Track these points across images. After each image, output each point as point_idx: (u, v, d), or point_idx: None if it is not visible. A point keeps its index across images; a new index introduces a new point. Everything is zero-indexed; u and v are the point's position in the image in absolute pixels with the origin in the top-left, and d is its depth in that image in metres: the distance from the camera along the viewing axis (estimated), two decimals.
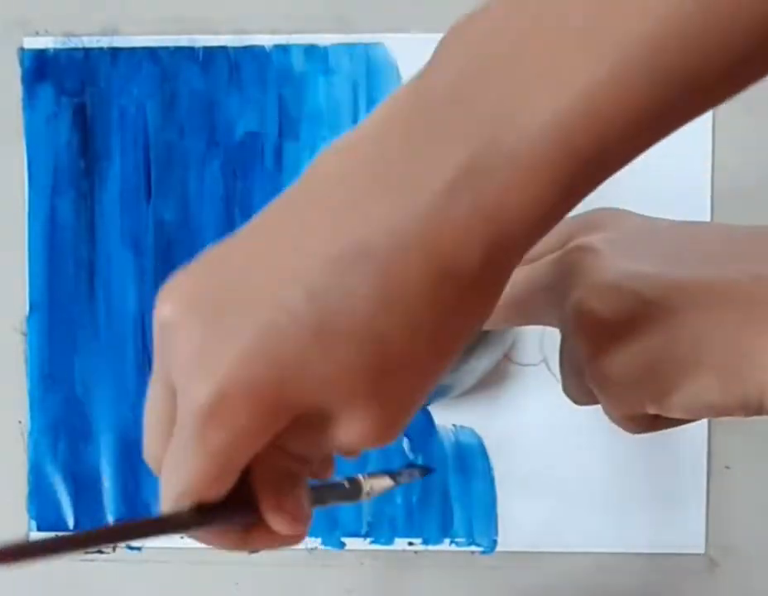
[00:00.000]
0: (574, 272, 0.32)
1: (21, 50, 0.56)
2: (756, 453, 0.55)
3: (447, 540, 0.56)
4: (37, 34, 0.56)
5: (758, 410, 0.30)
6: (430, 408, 0.55)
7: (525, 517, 0.55)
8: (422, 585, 0.56)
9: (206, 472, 0.28)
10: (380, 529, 0.56)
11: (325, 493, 0.36)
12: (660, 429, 0.33)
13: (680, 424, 0.32)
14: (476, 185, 0.26)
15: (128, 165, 0.56)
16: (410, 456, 0.55)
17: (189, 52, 0.56)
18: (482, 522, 0.55)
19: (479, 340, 0.50)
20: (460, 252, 0.26)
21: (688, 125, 0.27)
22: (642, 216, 0.35)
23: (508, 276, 0.28)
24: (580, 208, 0.28)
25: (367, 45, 0.55)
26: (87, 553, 0.55)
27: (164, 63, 0.56)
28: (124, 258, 0.56)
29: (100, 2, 0.56)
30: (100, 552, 0.56)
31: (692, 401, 0.30)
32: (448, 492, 0.55)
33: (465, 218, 0.26)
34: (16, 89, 0.56)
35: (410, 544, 0.56)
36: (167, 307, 0.28)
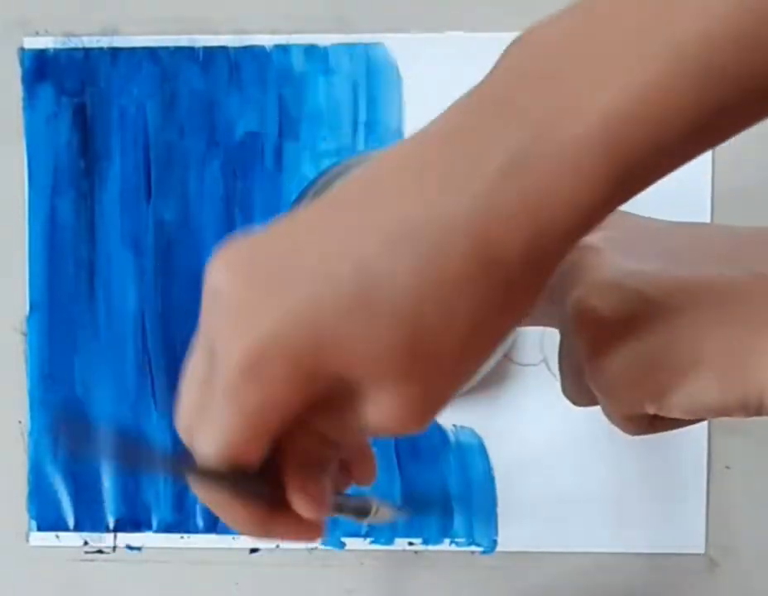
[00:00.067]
0: (575, 270, 0.32)
1: (21, 50, 0.56)
2: (755, 453, 0.55)
3: (447, 540, 0.56)
4: (37, 34, 0.56)
5: (758, 411, 0.30)
6: None
7: (525, 517, 0.55)
8: (422, 585, 0.56)
9: (239, 432, 0.28)
10: (380, 529, 0.55)
11: (342, 501, 0.37)
12: (660, 430, 0.33)
13: (679, 426, 0.32)
14: (523, 173, 0.26)
15: (128, 165, 0.56)
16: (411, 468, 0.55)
17: (189, 52, 0.56)
18: (482, 522, 0.55)
19: None
20: (504, 240, 0.27)
21: None
22: (643, 216, 0.36)
23: (548, 276, 0.28)
24: None
25: (367, 45, 0.55)
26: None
27: (164, 63, 0.56)
28: (124, 258, 0.56)
29: (100, 2, 0.56)
30: (100, 552, 0.56)
31: (691, 401, 0.30)
32: (448, 492, 0.55)
33: (511, 205, 0.26)
34: (16, 89, 0.56)
35: (411, 544, 0.56)
36: (218, 272, 0.28)
